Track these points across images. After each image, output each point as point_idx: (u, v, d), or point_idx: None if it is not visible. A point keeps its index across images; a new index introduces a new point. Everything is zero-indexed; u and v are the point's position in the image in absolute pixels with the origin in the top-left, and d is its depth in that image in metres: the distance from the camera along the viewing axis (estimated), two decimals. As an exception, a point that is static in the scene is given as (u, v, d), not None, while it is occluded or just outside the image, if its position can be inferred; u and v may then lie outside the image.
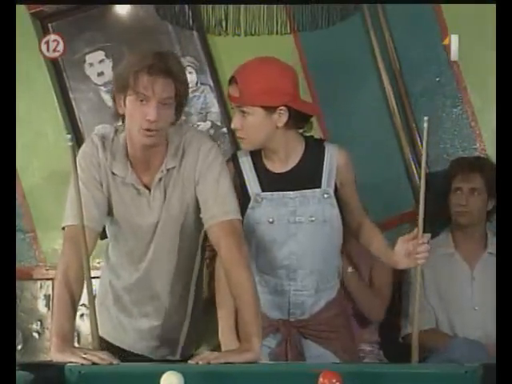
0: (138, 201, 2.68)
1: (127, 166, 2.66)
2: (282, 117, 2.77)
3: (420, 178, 3.66)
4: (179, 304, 2.85)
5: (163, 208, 2.68)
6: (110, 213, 2.71)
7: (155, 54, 2.56)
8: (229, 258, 2.54)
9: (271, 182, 2.86)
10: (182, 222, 2.72)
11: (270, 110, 2.75)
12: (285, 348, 2.85)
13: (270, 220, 2.83)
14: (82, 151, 2.69)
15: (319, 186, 2.84)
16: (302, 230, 2.83)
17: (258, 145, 2.84)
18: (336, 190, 2.87)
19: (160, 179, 2.66)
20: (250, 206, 2.85)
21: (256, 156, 2.89)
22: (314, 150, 2.87)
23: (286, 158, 2.85)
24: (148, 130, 2.53)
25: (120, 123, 2.69)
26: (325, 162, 2.84)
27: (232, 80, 2.80)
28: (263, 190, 2.85)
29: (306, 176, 2.84)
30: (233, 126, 2.82)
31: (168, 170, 2.66)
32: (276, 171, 2.87)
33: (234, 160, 2.91)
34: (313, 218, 2.82)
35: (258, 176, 2.87)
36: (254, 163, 2.89)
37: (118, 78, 2.59)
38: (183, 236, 2.75)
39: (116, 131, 2.71)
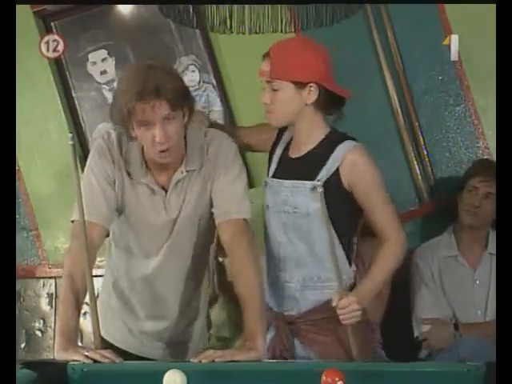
0: (152, 200, 2.65)
1: (142, 166, 2.63)
2: (311, 94, 2.74)
3: (421, 177, 3.71)
4: (190, 303, 2.81)
5: (181, 208, 2.65)
6: (120, 210, 2.67)
7: (143, 74, 2.46)
8: (242, 259, 2.54)
9: (283, 166, 2.86)
10: (199, 221, 2.69)
11: (300, 86, 2.73)
12: (275, 343, 2.80)
13: (267, 205, 2.84)
14: (97, 145, 2.66)
15: (313, 179, 2.76)
16: (289, 220, 2.79)
17: (285, 121, 2.82)
18: (350, 191, 2.76)
19: (178, 181, 2.63)
20: (260, 189, 2.88)
21: (289, 141, 2.89)
22: (329, 142, 2.79)
23: (304, 142, 2.82)
24: (162, 151, 2.51)
25: None
26: (331, 157, 2.75)
27: (265, 55, 2.80)
28: (274, 174, 2.86)
29: (308, 166, 2.79)
30: (263, 100, 2.79)
31: (188, 171, 2.63)
32: (292, 156, 2.85)
33: (277, 137, 2.93)
34: (296, 210, 2.78)
35: (280, 159, 2.88)
36: (284, 147, 2.89)
37: (116, 111, 2.51)
38: (199, 234, 2.72)
39: None
